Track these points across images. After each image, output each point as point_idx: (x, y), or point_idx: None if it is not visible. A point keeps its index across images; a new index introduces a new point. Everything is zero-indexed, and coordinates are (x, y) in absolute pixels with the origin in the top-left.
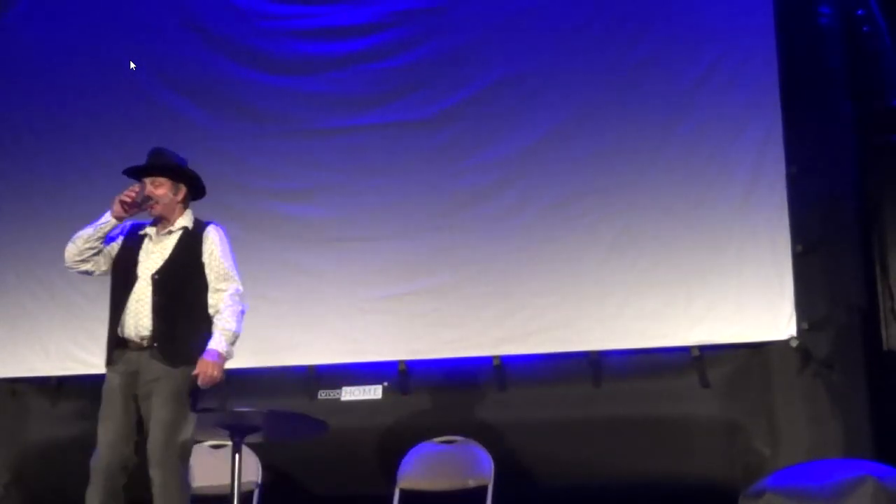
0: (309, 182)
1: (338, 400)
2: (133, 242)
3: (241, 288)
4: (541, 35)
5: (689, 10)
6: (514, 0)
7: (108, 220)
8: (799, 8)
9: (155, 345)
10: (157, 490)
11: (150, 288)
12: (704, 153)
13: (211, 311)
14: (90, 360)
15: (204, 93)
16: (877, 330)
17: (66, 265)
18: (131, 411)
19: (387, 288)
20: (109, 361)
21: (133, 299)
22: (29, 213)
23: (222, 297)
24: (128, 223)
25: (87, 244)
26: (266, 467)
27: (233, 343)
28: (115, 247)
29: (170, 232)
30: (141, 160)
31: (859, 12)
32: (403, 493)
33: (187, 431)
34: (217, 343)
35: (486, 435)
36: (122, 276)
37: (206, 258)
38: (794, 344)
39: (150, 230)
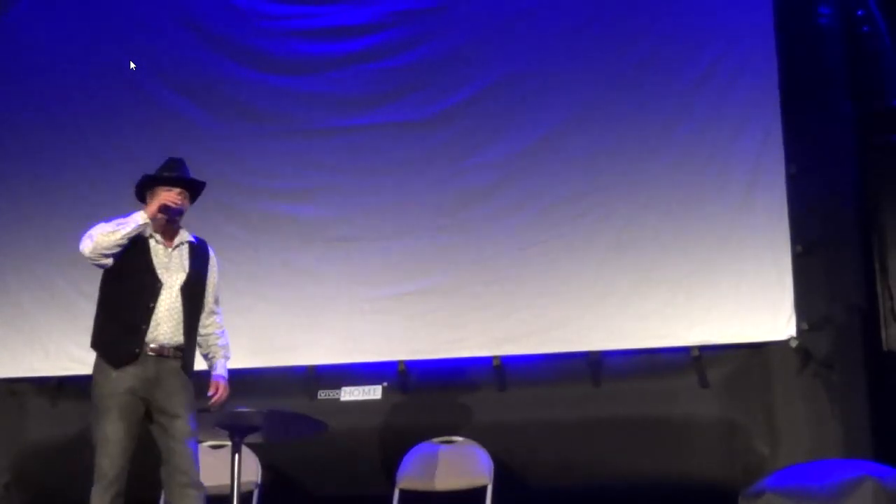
0: (309, 182)
1: (337, 400)
2: (138, 245)
3: None
4: (541, 35)
5: (688, 10)
6: (514, 0)
7: (145, 220)
8: (799, 8)
9: (181, 355)
10: None
11: (179, 299)
12: (704, 153)
13: (202, 330)
14: (90, 360)
15: (204, 93)
16: (876, 330)
17: (88, 255)
18: (140, 414)
19: (387, 288)
20: (120, 363)
21: (163, 307)
22: (29, 213)
23: (215, 321)
24: None
25: (122, 240)
26: (266, 467)
27: None
28: None
29: (179, 244)
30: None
31: (859, 12)
32: (403, 493)
33: None
34: (224, 370)
35: (485, 435)
36: (138, 279)
37: (210, 278)
38: (793, 344)
39: (156, 236)
